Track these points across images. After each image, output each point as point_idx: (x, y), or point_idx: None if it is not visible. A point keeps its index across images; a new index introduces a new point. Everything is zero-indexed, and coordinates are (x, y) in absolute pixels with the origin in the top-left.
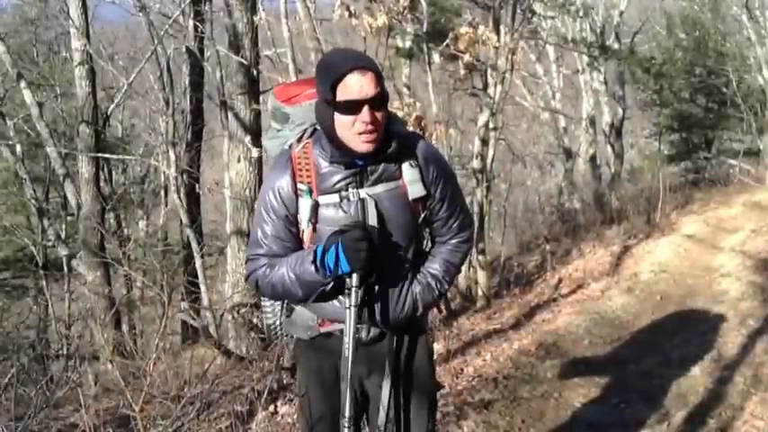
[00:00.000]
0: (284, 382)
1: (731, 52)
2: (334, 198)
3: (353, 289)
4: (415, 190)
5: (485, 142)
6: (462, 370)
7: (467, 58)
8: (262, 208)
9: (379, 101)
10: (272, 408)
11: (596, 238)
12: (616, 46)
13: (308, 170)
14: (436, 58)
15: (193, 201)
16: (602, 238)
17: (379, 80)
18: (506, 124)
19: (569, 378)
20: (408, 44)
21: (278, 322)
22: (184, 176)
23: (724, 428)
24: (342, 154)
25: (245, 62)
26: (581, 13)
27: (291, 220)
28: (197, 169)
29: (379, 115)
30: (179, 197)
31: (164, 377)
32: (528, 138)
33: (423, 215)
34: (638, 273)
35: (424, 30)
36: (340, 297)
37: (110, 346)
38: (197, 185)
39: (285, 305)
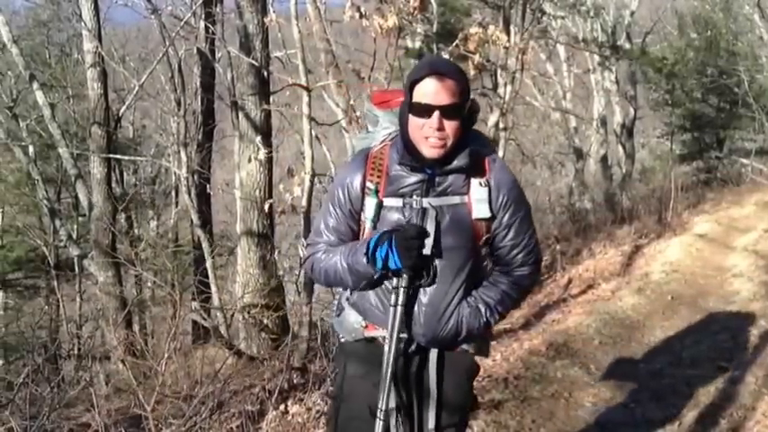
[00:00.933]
0: (294, 381)
1: (743, 52)
2: (398, 202)
3: (401, 289)
4: (480, 210)
5: (494, 142)
6: None
7: (476, 58)
8: (329, 201)
9: (451, 110)
10: (282, 407)
11: (607, 238)
12: (627, 46)
13: (379, 170)
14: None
15: (204, 201)
16: (613, 237)
17: (460, 91)
18: (516, 124)
19: (579, 378)
20: (418, 44)
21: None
22: (195, 177)
23: (735, 429)
24: (411, 157)
25: (255, 63)
26: (592, 13)
27: (354, 217)
28: (208, 169)
29: (449, 125)
30: (190, 197)
31: (175, 377)
32: (538, 138)
33: (485, 237)
34: (650, 273)
35: (434, 30)
36: (384, 302)
37: (121, 346)
38: (208, 186)
39: (338, 305)
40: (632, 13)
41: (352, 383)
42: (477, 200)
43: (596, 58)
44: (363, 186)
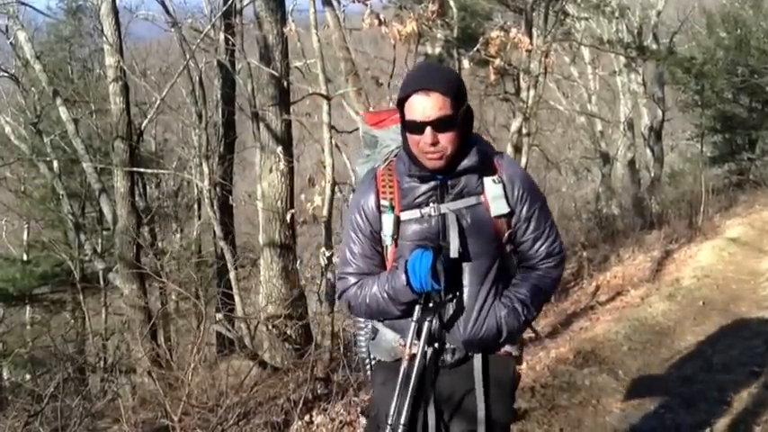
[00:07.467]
0: (318, 392)
1: None
2: (416, 213)
3: (432, 309)
4: (498, 207)
5: (517, 149)
6: None
7: (497, 62)
8: (349, 228)
9: (442, 124)
10: (307, 418)
11: (636, 244)
12: (654, 46)
13: (391, 186)
14: (466, 63)
15: (226, 213)
16: (642, 243)
17: (449, 102)
18: (540, 129)
19: (608, 385)
20: (438, 50)
21: (367, 356)
22: (217, 189)
23: None
24: (418, 168)
25: (275, 74)
26: (617, 14)
27: (376, 238)
28: (230, 181)
29: (443, 137)
30: (212, 209)
31: (200, 388)
32: (563, 143)
33: (507, 234)
34: (680, 278)
35: (455, 35)
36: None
37: (147, 357)
38: (230, 197)
39: (372, 327)
40: (659, 13)
41: (390, 401)
42: (494, 197)
43: (622, 59)
44: (378, 205)
